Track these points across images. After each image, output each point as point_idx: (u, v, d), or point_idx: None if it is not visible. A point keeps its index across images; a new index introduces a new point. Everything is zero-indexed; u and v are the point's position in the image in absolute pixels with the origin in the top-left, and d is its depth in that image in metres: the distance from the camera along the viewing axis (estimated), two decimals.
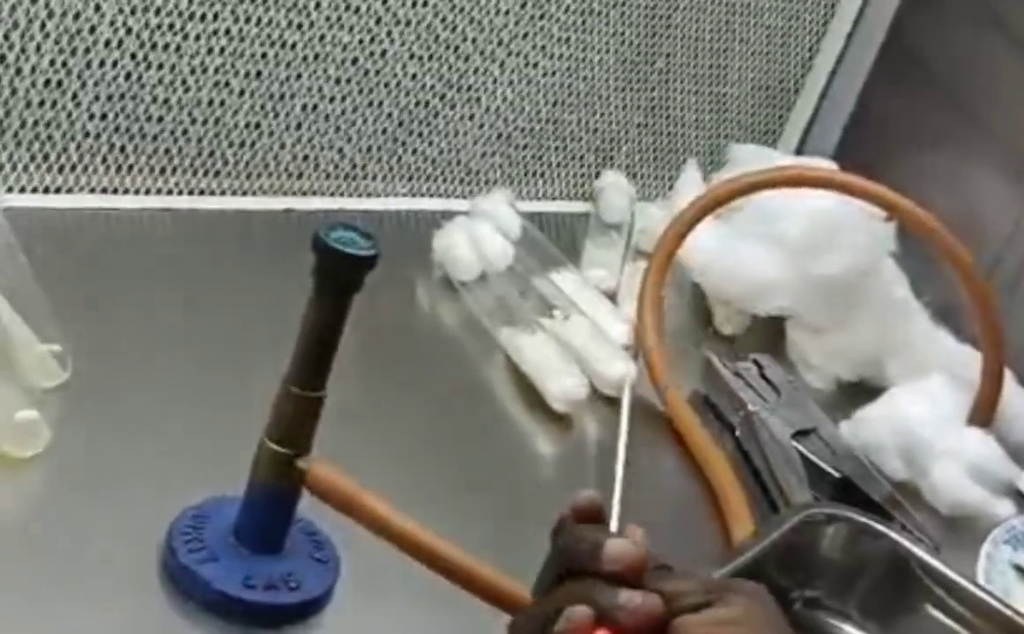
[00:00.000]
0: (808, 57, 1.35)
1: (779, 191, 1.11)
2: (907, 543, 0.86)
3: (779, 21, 1.31)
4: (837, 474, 0.98)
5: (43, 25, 0.92)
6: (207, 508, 0.74)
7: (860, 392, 1.12)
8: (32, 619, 0.68)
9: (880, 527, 0.87)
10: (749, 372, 1.05)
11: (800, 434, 1.00)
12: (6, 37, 0.91)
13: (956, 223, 1.09)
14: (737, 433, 1.02)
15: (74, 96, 0.96)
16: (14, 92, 0.94)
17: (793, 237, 1.11)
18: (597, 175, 1.25)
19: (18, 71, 0.93)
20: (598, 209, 1.21)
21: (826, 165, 1.17)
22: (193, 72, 1.00)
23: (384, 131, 1.12)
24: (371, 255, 0.68)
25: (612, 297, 1.12)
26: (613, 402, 1.01)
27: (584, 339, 1.02)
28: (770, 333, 1.15)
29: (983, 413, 1.07)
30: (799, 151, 1.37)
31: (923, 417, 1.03)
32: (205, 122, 1.03)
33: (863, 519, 0.87)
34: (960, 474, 1.01)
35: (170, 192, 1.03)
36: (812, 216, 1.11)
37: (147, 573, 0.72)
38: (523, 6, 1.13)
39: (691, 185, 1.20)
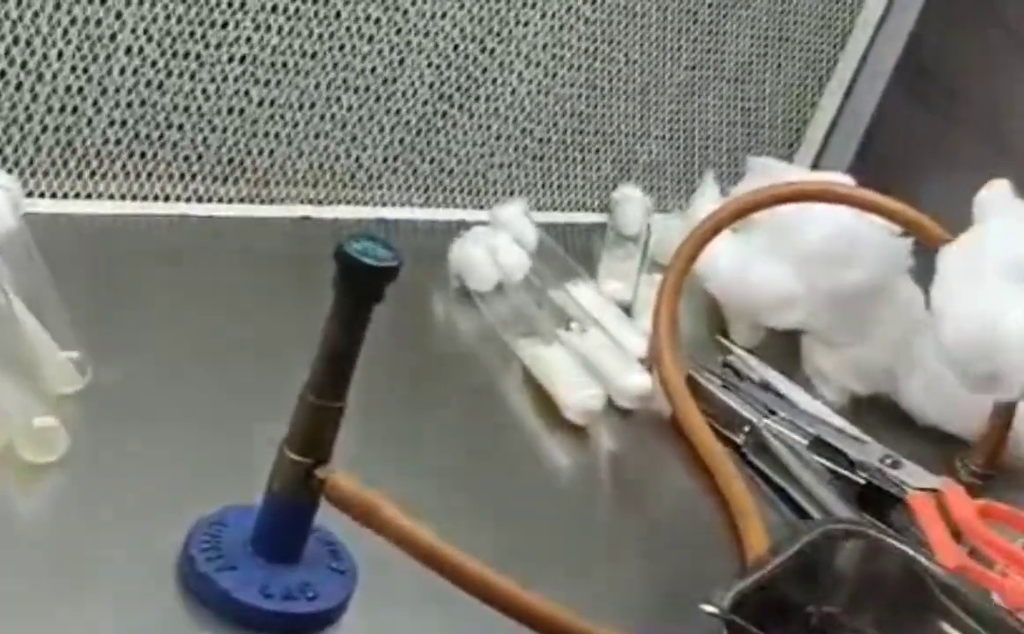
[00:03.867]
0: (825, 72, 1.35)
1: (798, 205, 1.11)
2: (923, 559, 0.86)
3: (798, 36, 1.32)
4: (861, 481, 0.98)
5: (65, 32, 0.93)
6: (225, 517, 0.74)
7: (875, 407, 1.13)
8: (48, 626, 0.68)
9: (897, 543, 0.87)
10: (740, 384, 1.05)
11: (815, 443, 1.01)
12: (28, 43, 0.92)
13: None
14: (743, 449, 1.02)
15: (95, 103, 0.97)
16: (35, 98, 0.94)
17: (810, 252, 1.11)
18: (614, 187, 1.25)
19: (39, 77, 0.93)
20: (614, 221, 1.22)
21: (844, 180, 1.17)
22: (213, 80, 1.01)
23: (401, 140, 1.12)
24: (393, 266, 0.68)
25: (627, 309, 1.12)
26: (628, 414, 1.01)
27: (600, 351, 1.02)
28: (785, 346, 1.16)
29: (994, 436, 1.08)
30: (815, 166, 1.37)
31: None
32: (224, 130, 1.03)
33: (880, 534, 0.87)
34: None
35: (189, 199, 1.04)
36: (830, 231, 1.11)
37: (164, 581, 0.72)
38: (542, 17, 1.14)
39: (708, 198, 1.20)
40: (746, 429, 1.02)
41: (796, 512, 0.97)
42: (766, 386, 1.07)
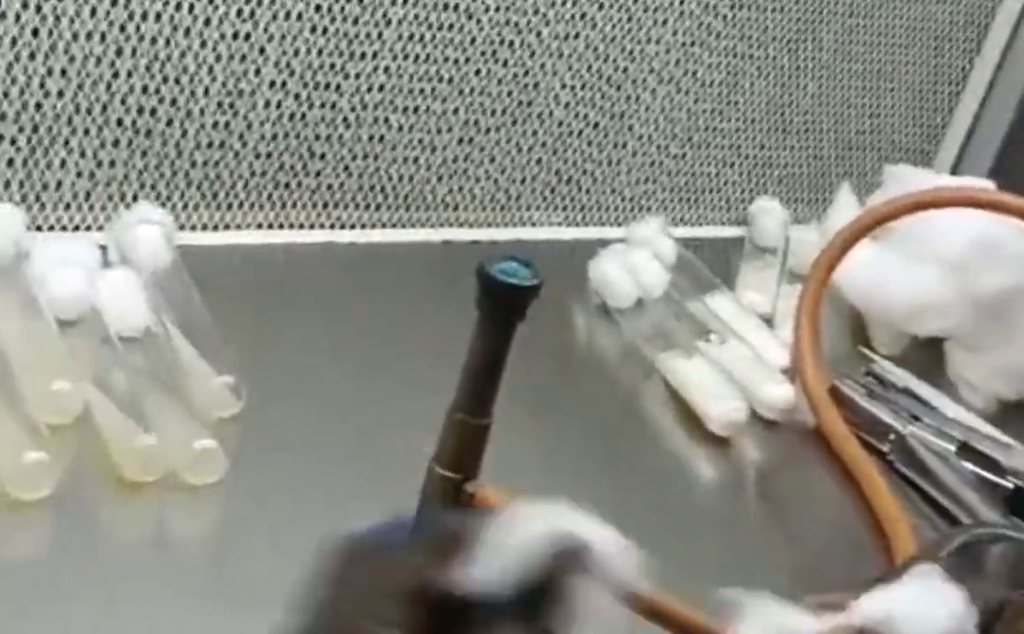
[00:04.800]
0: (962, 76, 1.34)
1: (937, 211, 1.11)
2: None
3: (932, 40, 1.31)
4: (1010, 485, 0.97)
5: (211, 69, 0.96)
6: (378, 531, 0.76)
7: (1022, 411, 1.11)
8: None
9: None
10: (884, 392, 1.05)
11: (963, 449, 1.00)
12: (177, 81, 0.95)
13: None
14: (889, 457, 1.01)
15: (241, 136, 1.00)
16: (184, 134, 0.97)
17: (951, 257, 1.10)
18: (750, 199, 1.25)
19: (188, 114, 0.97)
20: (752, 233, 1.22)
21: (985, 184, 1.16)
22: (353, 109, 1.03)
23: (539, 161, 1.14)
24: (534, 284, 0.69)
25: (768, 320, 1.12)
26: (772, 425, 1.01)
27: (742, 362, 1.03)
28: (928, 353, 1.15)
29: None
30: (954, 171, 1.35)
31: None
32: (365, 157, 1.06)
33: None
34: None
35: (332, 226, 1.06)
36: (971, 236, 1.10)
37: None
38: (674, 34, 1.15)
39: (846, 208, 1.20)
40: (891, 437, 1.01)
41: (944, 518, 0.97)
42: (910, 393, 1.06)
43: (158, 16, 0.92)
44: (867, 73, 1.28)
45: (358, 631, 0.52)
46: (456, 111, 1.07)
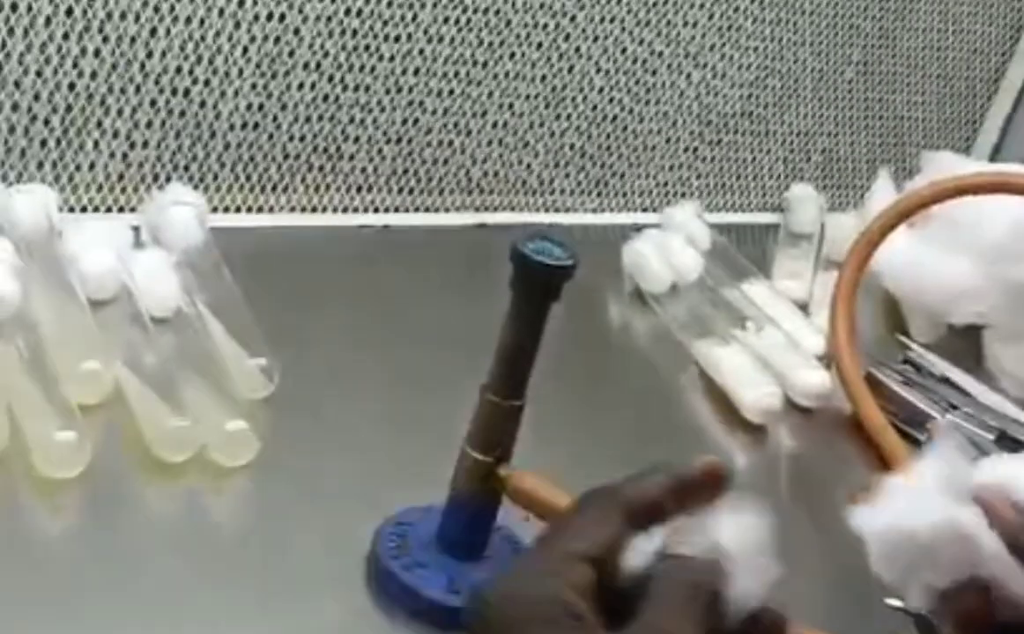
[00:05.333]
0: (1001, 63, 1.33)
1: (973, 198, 1.09)
2: None
3: (972, 26, 1.29)
4: None
5: (245, 50, 0.96)
6: (410, 516, 0.75)
7: None
8: (242, 623, 0.70)
9: None
10: (922, 380, 1.04)
11: (1001, 438, 0.99)
12: (210, 62, 0.95)
13: None
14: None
15: (274, 118, 0.99)
16: (218, 115, 0.97)
17: (989, 244, 1.09)
18: (787, 186, 1.24)
19: (222, 95, 0.96)
20: (788, 220, 1.21)
21: None
22: (388, 92, 1.03)
23: (573, 146, 1.13)
24: (568, 264, 0.68)
25: (803, 307, 1.11)
26: (807, 412, 1.00)
27: (777, 350, 1.02)
28: (966, 342, 1.14)
29: None
30: (993, 158, 1.34)
31: None
32: (399, 141, 1.05)
33: None
34: None
35: (366, 210, 1.06)
36: (1009, 223, 1.09)
37: (353, 579, 0.74)
38: (711, 18, 1.14)
39: (884, 194, 1.19)
40: (929, 425, 1.00)
41: None
42: (948, 381, 1.05)
43: None
44: (905, 60, 1.27)
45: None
46: (490, 94, 1.07)
